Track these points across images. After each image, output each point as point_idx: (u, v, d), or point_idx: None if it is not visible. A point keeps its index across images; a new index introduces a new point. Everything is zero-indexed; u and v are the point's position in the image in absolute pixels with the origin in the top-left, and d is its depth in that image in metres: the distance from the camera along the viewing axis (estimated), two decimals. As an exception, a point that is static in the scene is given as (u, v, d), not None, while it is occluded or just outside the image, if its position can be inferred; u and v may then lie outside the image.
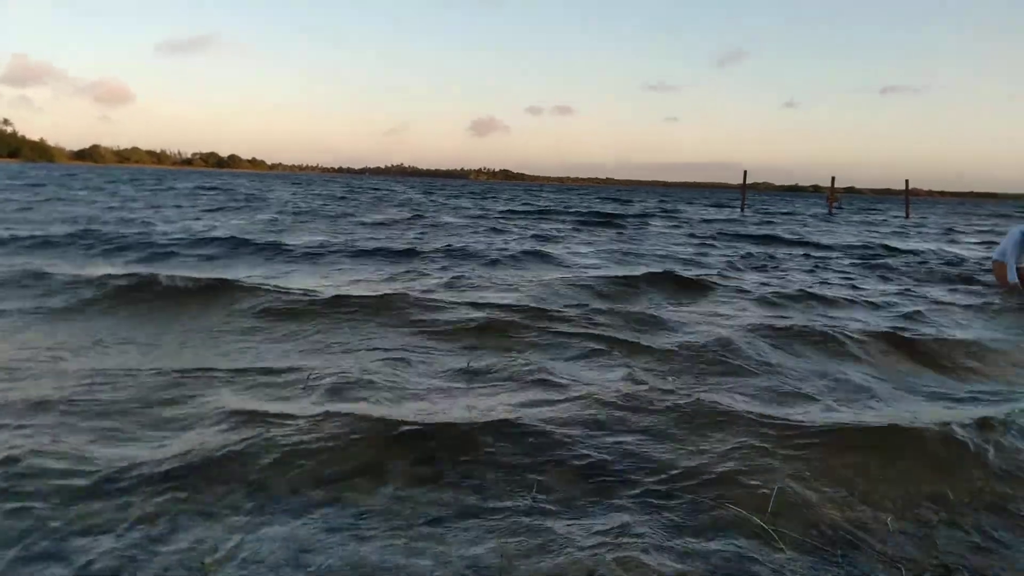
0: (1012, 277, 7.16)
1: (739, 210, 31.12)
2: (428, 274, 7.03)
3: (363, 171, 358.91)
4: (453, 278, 6.60)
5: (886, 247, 12.70)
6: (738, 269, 8.70)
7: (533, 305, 5.13)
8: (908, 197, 33.90)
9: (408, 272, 7.16)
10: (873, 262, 10.00)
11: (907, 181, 33.45)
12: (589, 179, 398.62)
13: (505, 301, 5.31)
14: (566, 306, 5.26)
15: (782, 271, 8.60)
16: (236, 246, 8.57)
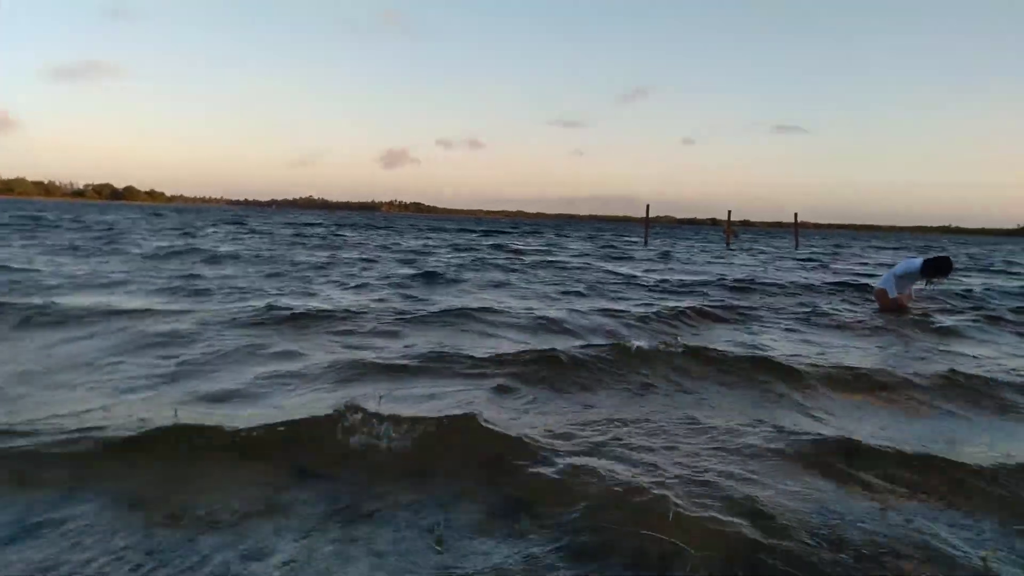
0: (892, 293, 7.99)
1: (643, 242, 32.32)
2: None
3: (270, 203, 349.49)
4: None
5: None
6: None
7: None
8: (797, 229, 36.71)
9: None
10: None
11: (796, 215, 36.57)
12: (500, 212, 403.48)
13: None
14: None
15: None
16: None
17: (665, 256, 21.10)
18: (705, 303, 8.23)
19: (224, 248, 15.22)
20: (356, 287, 9.12)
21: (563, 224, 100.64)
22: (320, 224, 40.91)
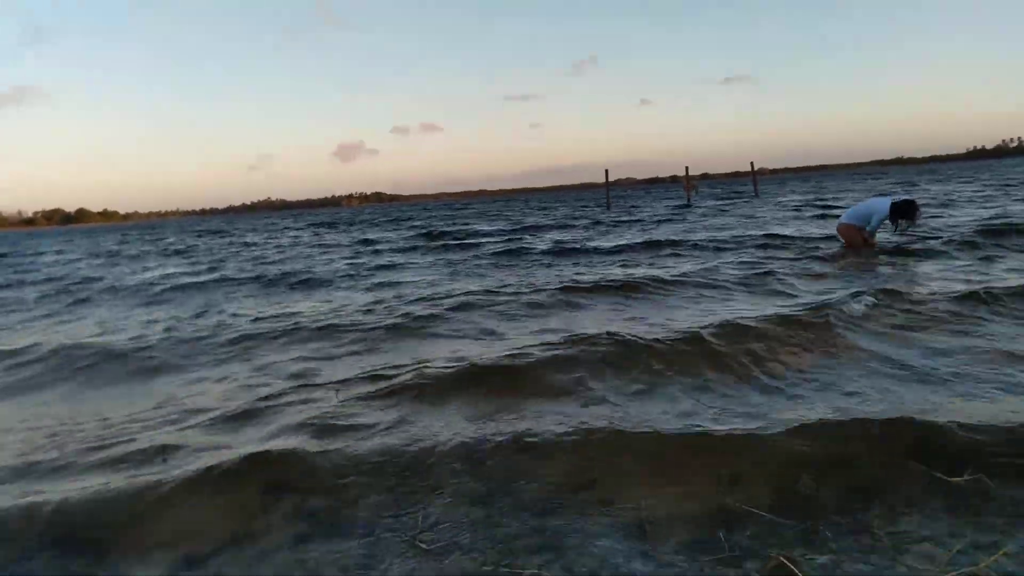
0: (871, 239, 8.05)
1: (606, 207, 32.38)
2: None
3: (228, 210, 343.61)
4: None
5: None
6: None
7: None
8: (755, 177, 37.00)
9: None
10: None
11: (752, 163, 36.59)
12: (463, 193, 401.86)
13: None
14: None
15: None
16: None
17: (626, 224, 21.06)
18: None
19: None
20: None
21: (520, 199, 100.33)
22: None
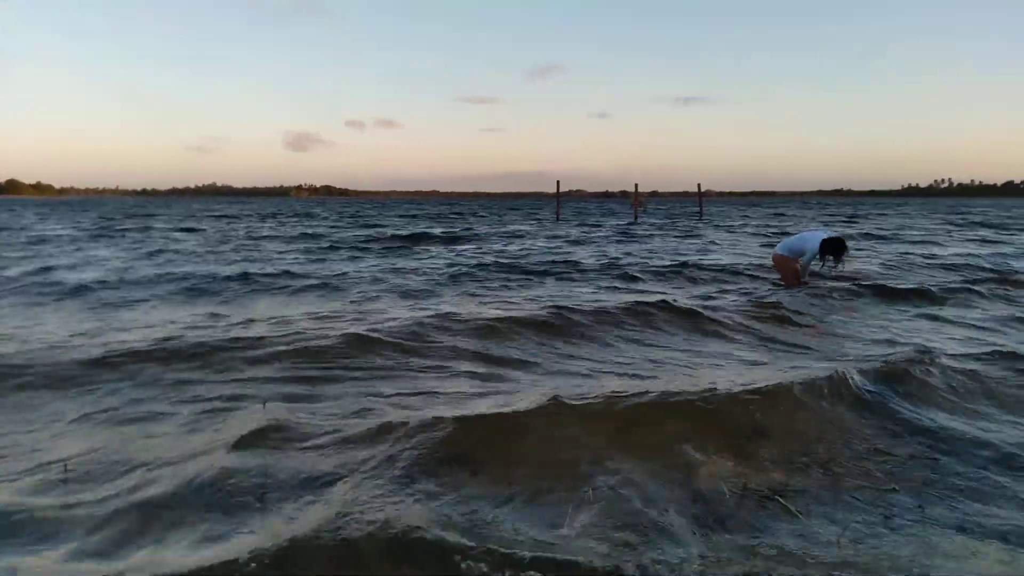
0: (804, 276, 8.14)
1: (555, 219, 32.77)
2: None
3: (170, 192, 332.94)
4: None
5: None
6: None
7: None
8: (701, 199, 38.18)
9: None
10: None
11: (699, 185, 37.85)
12: (415, 192, 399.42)
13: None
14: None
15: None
16: None
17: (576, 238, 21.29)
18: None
19: None
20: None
21: (473, 203, 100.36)
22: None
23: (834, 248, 7.85)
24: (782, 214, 40.93)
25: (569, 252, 13.61)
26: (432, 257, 12.43)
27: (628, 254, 13.21)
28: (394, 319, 5.58)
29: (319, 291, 7.88)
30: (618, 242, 16.93)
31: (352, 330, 5.01)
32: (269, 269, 9.79)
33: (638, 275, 9.44)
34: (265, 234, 19.38)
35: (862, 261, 11.05)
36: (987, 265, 10.98)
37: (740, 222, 29.27)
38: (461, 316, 5.63)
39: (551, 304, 6.19)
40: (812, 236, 8.15)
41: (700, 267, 10.25)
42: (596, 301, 6.72)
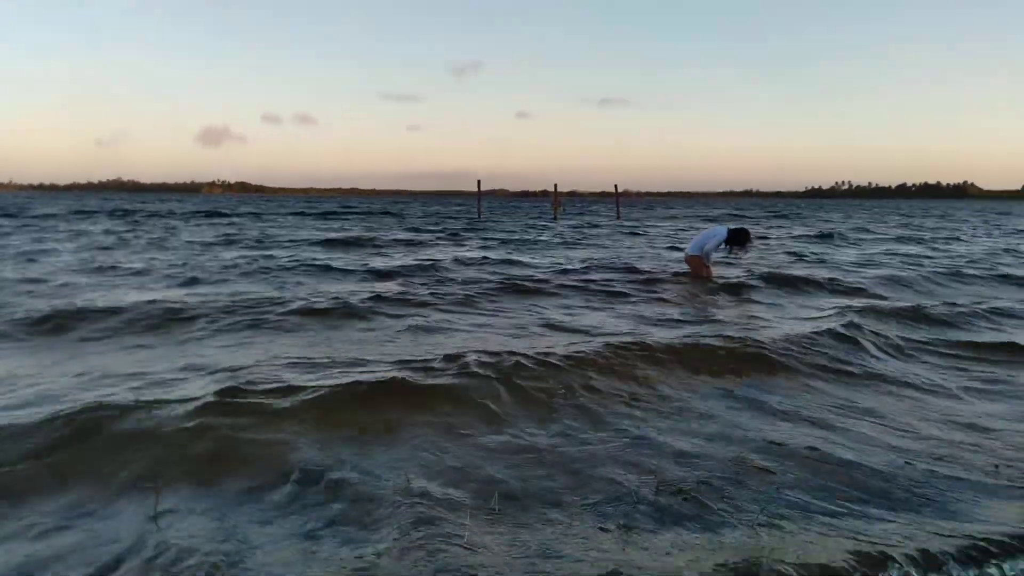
0: (707, 261, 8.70)
1: (477, 216, 32.91)
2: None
3: (71, 187, 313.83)
4: None
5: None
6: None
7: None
8: (618, 200, 38.94)
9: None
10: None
11: (616, 186, 38.64)
12: (334, 189, 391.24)
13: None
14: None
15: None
16: None
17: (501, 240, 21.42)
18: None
19: None
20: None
21: (396, 201, 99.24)
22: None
23: (739, 238, 8.28)
24: (703, 215, 42.47)
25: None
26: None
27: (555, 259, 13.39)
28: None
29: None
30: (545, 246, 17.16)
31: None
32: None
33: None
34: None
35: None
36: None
37: (656, 223, 30.14)
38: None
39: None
40: (716, 231, 8.62)
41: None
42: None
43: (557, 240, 17.67)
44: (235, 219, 27.52)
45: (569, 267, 10.50)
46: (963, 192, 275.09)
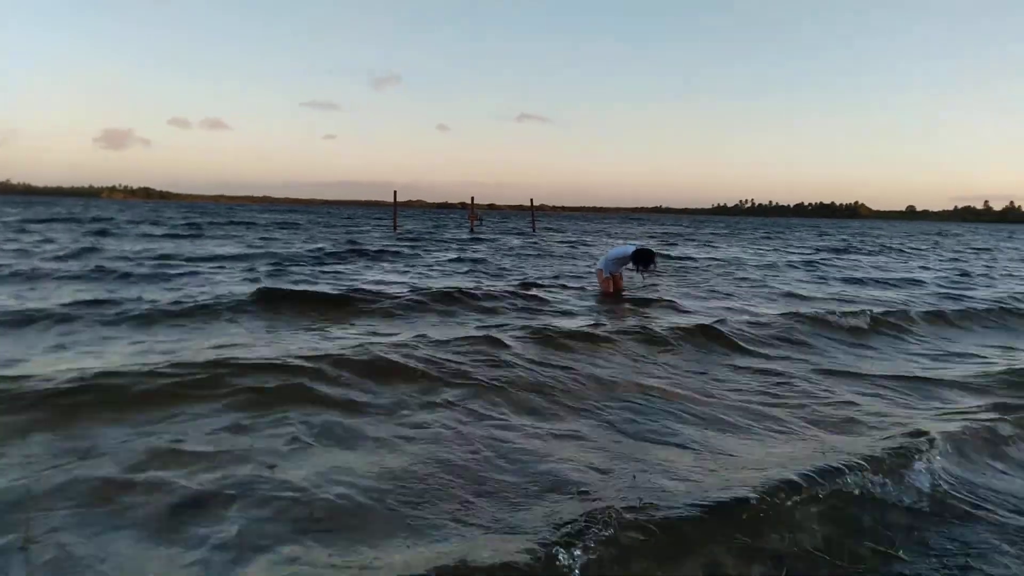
0: (607, 274, 9.22)
1: (393, 229, 32.78)
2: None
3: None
4: None
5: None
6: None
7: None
8: (534, 214, 39.88)
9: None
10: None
11: (532, 200, 39.50)
12: (246, 197, 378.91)
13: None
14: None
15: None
16: None
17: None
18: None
19: None
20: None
21: (308, 211, 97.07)
22: None
23: (643, 257, 8.79)
24: (607, 230, 43.82)
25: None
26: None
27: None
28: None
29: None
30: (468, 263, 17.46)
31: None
32: None
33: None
34: None
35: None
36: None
37: (571, 237, 31.01)
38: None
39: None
40: (624, 249, 9.07)
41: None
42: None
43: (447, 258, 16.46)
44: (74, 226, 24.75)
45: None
46: (855, 212, 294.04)
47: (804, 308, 8.31)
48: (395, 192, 34.20)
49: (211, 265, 12.04)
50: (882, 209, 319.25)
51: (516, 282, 10.57)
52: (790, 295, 10.34)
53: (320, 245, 18.55)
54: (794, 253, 21.79)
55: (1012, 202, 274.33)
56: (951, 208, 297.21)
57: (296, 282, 9.61)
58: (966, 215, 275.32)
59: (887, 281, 13.19)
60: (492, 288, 9.39)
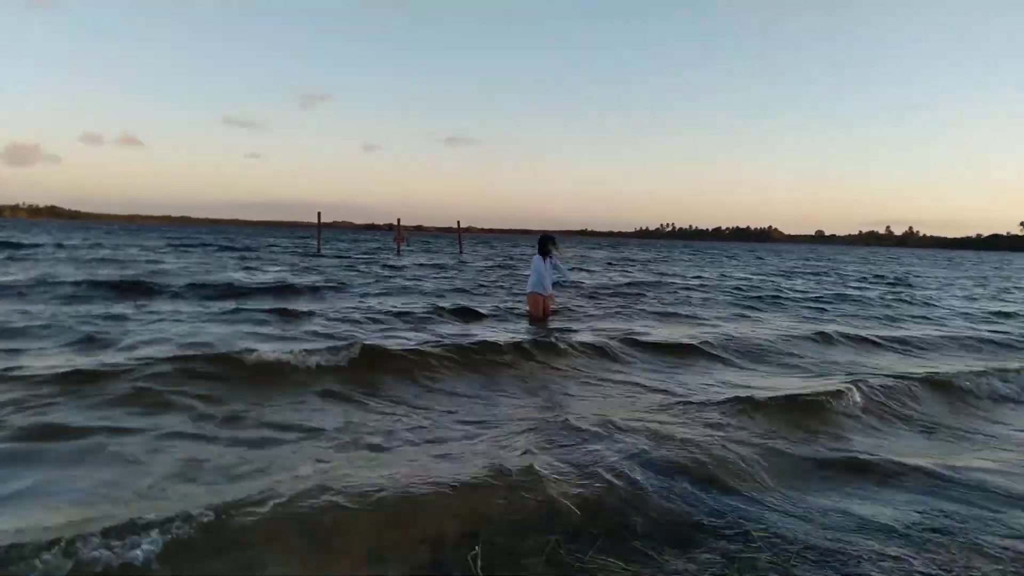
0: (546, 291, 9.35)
1: (316, 250, 32.71)
2: None
3: None
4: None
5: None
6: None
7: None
8: (460, 235, 40.19)
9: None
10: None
11: (459, 222, 39.90)
12: (163, 217, 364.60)
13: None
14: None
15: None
16: None
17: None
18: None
19: None
20: None
21: (227, 231, 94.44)
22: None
23: (546, 245, 9.20)
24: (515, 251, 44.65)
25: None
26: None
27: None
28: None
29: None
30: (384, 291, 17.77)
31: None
32: None
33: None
34: None
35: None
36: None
37: (496, 258, 31.73)
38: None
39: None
40: (539, 264, 9.24)
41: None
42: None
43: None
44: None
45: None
46: (768, 236, 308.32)
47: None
48: (319, 213, 34.16)
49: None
50: (793, 233, 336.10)
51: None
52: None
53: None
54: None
55: (911, 227, 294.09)
56: (856, 232, 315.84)
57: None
58: (869, 239, 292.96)
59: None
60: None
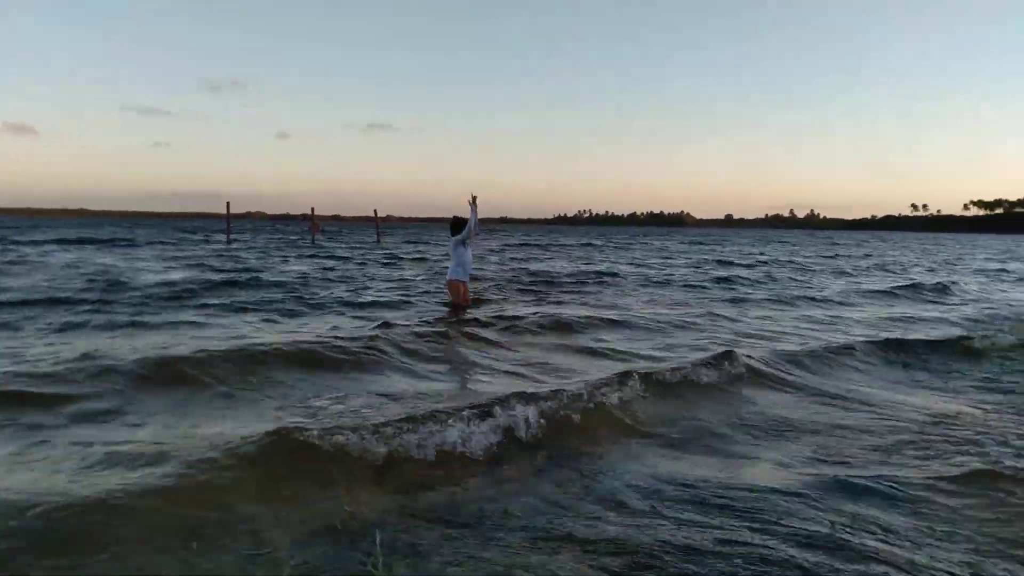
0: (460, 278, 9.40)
1: (225, 241, 31.70)
2: None
3: None
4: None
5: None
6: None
7: None
8: (378, 224, 39.81)
9: None
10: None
11: (376, 211, 39.68)
12: (58, 210, 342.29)
13: None
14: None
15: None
16: None
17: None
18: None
19: None
20: None
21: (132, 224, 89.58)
22: None
23: (460, 225, 9.23)
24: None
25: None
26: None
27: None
28: None
29: None
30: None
31: None
32: None
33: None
34: None
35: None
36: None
37: (419, 248, 31.57)
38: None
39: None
40: (457, 248, 9.27)
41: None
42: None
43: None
44: None
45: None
46: (681, 221, 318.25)
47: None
48: (228, 203, 32.99)
49: None
50: (705, 218, 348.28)
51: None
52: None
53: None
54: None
55: (812, 210, 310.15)
56: (763, 216, 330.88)
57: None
58: (775, 222, 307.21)
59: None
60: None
